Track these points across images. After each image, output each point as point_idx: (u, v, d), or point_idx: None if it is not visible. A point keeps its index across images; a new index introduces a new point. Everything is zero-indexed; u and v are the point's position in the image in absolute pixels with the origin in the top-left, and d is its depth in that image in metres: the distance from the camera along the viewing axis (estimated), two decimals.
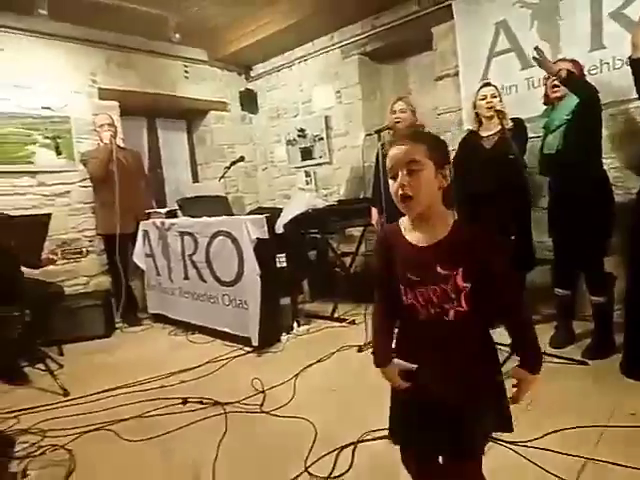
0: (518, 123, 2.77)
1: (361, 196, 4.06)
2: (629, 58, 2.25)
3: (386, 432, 1.80)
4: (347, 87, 4.47)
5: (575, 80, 2.41)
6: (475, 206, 2.56)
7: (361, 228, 3.89)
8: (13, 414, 2.28)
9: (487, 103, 2.80)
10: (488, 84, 2.92)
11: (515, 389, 1.08)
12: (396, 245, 1.11)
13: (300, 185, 4.97)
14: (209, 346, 3.23)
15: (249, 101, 5.29)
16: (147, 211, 3.93)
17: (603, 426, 1.80)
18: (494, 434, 1.59)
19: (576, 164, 2.44)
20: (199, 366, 2.80)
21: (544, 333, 2.78)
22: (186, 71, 4.88)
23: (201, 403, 2.30)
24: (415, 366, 1.09)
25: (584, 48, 2.97)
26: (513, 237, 2.58)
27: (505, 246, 1.08)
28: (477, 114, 2.89)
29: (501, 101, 2.82)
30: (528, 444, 1.70)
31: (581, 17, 2.98)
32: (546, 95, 2.69)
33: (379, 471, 1.66)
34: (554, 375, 2.31)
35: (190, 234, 3.42)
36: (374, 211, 3.43)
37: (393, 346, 1.19)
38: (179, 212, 3.74)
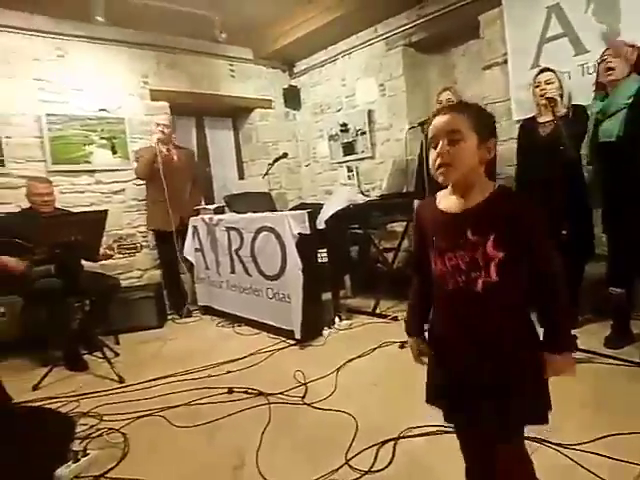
0: (579, 110, 2.64)
1: (404, 190, 4.00)
2: None
3: (427, 429, 1.82)
4: (391, 79, 4.41)
5: None
6: (531, 193, 2.47)
7: (404, 223, 3.84)
8: (74, 398, 2.46)
9: (541, 90, 2.70)
10: (546, 69, 2.80)
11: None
12: (429, 215, 1.12)
13: (342, 180, 4.97)
14: (254, 338, 3.33)
15: (292, 97, 5.34)
16: (196, 207, 4.08)
17: None
18: (543, 437, 1.55)
19: (638, 152, 2.29)
20: (244, 357, 2.89)
21: (599, 333, 2.65)
22: (232, 70, 5.00)
23: (246, 393, 2.37)
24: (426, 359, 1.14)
25: None
26: (564, 232, 2.47)
27: (545, 219, 1.03)
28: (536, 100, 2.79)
29: (561, 87, 2.69)
30: (577, 447, 1.63)
31: None
32: (597, 82, 2.52)
33: (418, 467, 1.65)
34: (610, 377, 2.19)
35: (236, 229, 3.52)
36: (417, 204, 3.37)
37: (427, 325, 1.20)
38: (226, 208, 3.86)
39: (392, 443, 1.79)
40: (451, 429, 1.65)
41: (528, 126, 2.88)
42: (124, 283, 3.95)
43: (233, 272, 3.65)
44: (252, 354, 2.94)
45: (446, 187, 1.12)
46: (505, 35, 3.45)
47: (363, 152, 4.73)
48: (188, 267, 4.25)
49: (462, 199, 1.06)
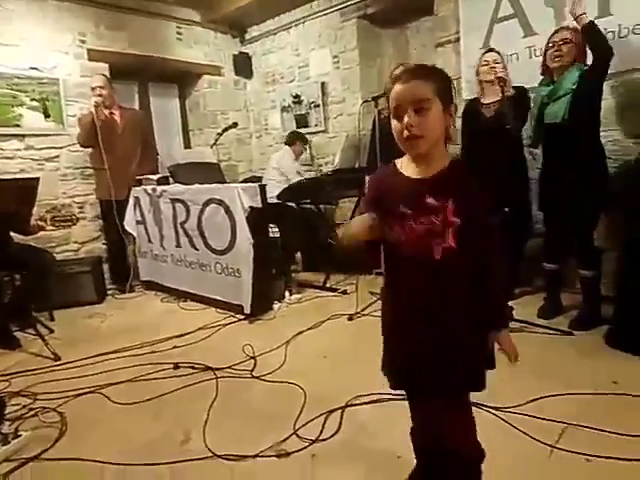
0: (521, 92, 2.71)
1: (356, 166, 4.00)
2: None
3: (373, 397, 1.87)
4: (345, 52, 4.34)
5: (598, 31, 2.32)
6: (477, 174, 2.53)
7: (355, 199, 3.86)
8: (5, 377, 2.29)
9: (490, 69, 2.73)
10: (492, 50, 2.85)
11: (503, 351, 1.10)
12: (390, 181, 1.09)
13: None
14: (201, 313, 3.25)
15: (243, 65, 5.14)
16: (138, 177, 3.86)
17: (585, 393, 1.84)
18: (481, 401, 1.64)
19: (580, 134, 2.40)
20: (191, 332, 2.82)
21: (533, 304, 2.82)
22: (179, 33, 4.71)
23: (192, 368, 2.32)
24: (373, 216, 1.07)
25: (591, 15, 2.86)
26: (507, 209, 2.57)
27: (491, 197, 1.05)
28: (480, 81, 2.82)
29: (505, 69, 2.73)
30: (512, 410, 1.74)
31: None
32: (545, 65, 2.58)
33: (364, 434, 1.69)
34: (541, 345, 2.35)
35: (182, 201, 3.38)
36: (370, 179, 3.38)
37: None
38: (171, 179, 3.68)
39: (339, 412, 1.82)
40: (396, 396, 1.71)
41: (472, 108, 2.92)
42: (59, 257, 3.71)
43: (178, 246, 3.52)
44: (199, 329, 2.87)
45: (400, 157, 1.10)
46: (458, 13, 3.47)
47: (316, 126, 4.65)
48: (130, 240, 4.05)
49: (423, 166, 1.05)
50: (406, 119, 0.98)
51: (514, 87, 2.70)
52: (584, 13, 2.30)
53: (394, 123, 1.02)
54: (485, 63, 2.78)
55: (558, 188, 2.51)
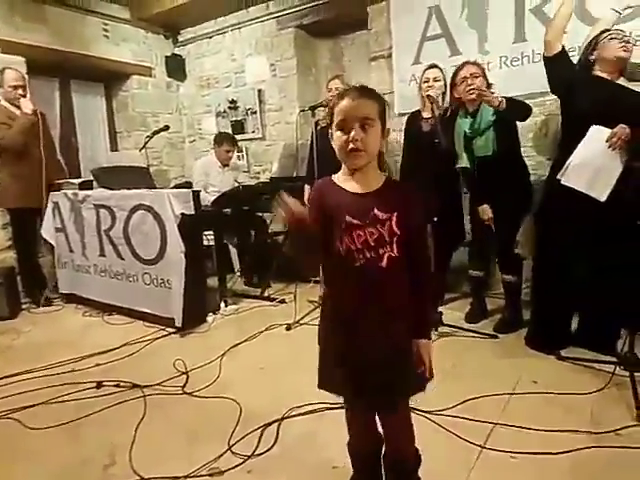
0: (453, 110, 2.79)
1: (294, 175, 4.00)
2: (543, 57, 2.36)
3: (311, 407, 1.85)
4: (282, 60, 4.34)
5: (515, 108, 2.45)
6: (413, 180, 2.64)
7: None
8: None
9: (427, 87, 2.81)
10: (434, 66, 2.90)
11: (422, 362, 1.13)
12: (332, 195, 1.11)
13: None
14: (128, 327, 3.04)
15: (176, 67, 4.96)
16: (58, 181, 3.57)
17: (509, 394, 1.95)
18: (414, 405, 1.68)
19: (510, 158, 2.59)
20: (116, 348, 2.63)
21: (460, 309, 2.97)
22: (105, 29, 4.46)
23: (117, 386, 2.17)
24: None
25: (508, 39, 3.12)
26: (436, 219, 2.68)
27: (427, 210, 1.14)
28: (421, 96, 2.89)
29: (445, 85, 2.83)
30: (442, 412, 1.80)
31: (506, 9, 3.11)
32: (456, 98, 2.68)
33: (302, 445, 1.67)
34: (468, 348, 2.47)
35: (107, 207, 3.17)
36: (307, 190, 3.39)
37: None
38: (94, 183, 3.44)
39: (276, 425, 1.78)
40: (334, 406, 1.70)
41: (413, 120, 3.03)
42: None
43: (102, 255, 3.29)
44: (125, 344, 2.69)
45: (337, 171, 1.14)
46: (391, 29, 3.60)
47: (253, 132, 4.60)
48: (48, 249, 3.73)
49: (361, 183, 1.10)
50: (353, 133, 1.03)
51: (450, 104, 2.83)
52: (501, 101, 2.40)
53: (338, 134, 1.07)
54: (426, 80, 2.86)
55: (487, 202, 2.66)
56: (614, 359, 2.04)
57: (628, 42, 2.15)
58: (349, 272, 1.09)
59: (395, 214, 1.07)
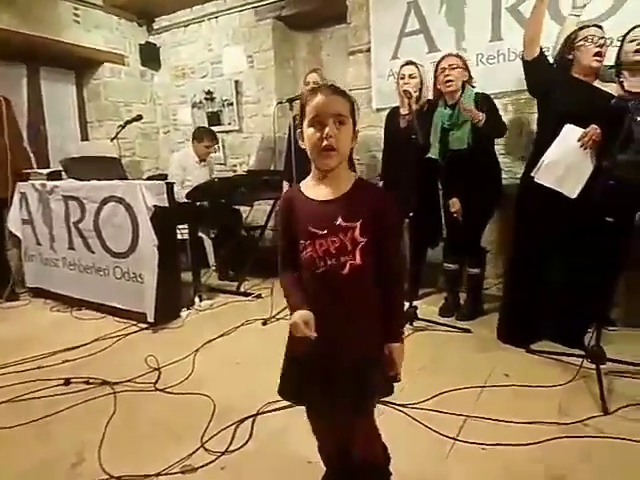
0: (431, 106, 2.82)
1: (272, 168, 3.95)
2: (522, 59, 2.39)
3: (285, 403, 1.83)
4: (260, 52, 4.28)
5: (491, 127, 2.55)
6: (392, 180, 2.73)
7: (271, 201, 3.80)
8: None
9: (404, 83, 2.82)
10: (410, 62, 2.90)
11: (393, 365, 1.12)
12: (298, 205, 1.12)
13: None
14: (98, 323, 2.96)
15: (151, 56, 4.83)
16: (25, 171, 3.43)
17: (482, 387, 1.98)
18: (386, 399, 1.69)
19: (482, 154, 2.63)
20: (85, 344, 2.55)
21: (435, 303, 3.01)
22: (76, 14, 4.29)
23: (87, 383, 2.11)
24: (314, 334, 1.05)
25: (485, 37, 3.15)
26: (411, 214, 2.69)
27: (400, 210, 1.12)
28: (399, 92, 2.88)
29: (421, 81, 2.84)
30: (417, 406, 1.81)
31: (484, 8, 3.13)
32: (437, 90, 2.73)
33: (276, 441, 1.65)
34: (441, 342, 2.51)
35: (76, 199, 3.07)
36: (286, 185, 3.36)
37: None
38: (64, 174, 3.32)
39: (251, 420, 1.76)
40: None
41: (392, 115, 3.04)
42: None
43: (72, 248, 3.19)
44: (95, 340, 2.62)
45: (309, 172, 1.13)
46: (370, 23, 3.59)
47: (230, 124, 4.52)
48: (15, 242, 3.59)
49: (330, 187, 1.08)
50: (327, 130, 1.01)
51: (428, 100, 2.84)
52: (480, 120, 2.49)
53: (310, 131, 1.04)
54: (402, 76, 2.86)
55: (457, 195, 2.71)
56: (582, 353, 2.09)
57: (602, 45, 2.20)
58: (312, 277, 1.09)
59: (359, 222, 1.04)
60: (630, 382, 1.97)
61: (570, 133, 2.17)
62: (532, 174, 2.27)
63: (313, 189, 1.11)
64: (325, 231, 1.06)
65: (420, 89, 2.85)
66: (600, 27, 2.25)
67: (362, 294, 1.09)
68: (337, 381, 1.08)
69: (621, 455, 1.52)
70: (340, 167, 1.07)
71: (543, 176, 2.23)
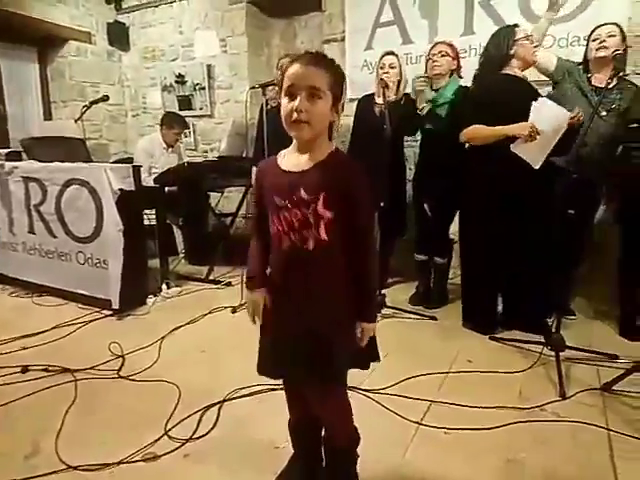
0: (408, 98, 2.84)
1: (243, 155, 3.89)
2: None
3: (253, 389, 1.83)
4: (233, 36, 4.19)
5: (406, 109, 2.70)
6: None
7: (242, 188, 3.74)
8: None
9: (383, 73, 2.80)
10: (391, 52, 2.88)
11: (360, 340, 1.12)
12: (269, 173, 1.10)
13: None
14: (60, 309, 2.86)
15: (119, 35, 4.67)
16: None
17: (445, 372, 2.03)
18: (355, 384, 1.70)
19: (455, 144, 2.61)
20: (45, 331, 2.46)
21: (405, 292, 3.05)
22: None
23: (46, 371, 2.03)
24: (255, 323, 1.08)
25: (457, 31, 3.18)
26: (382, 204, 2.70)
27: (370, 186, 1.08)
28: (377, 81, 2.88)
29: (401, 73, 2.84)
30: (382, 391, 1.84)
31: (457, 1, 3.16)
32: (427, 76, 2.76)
33: (243, 427, 1.64)
34: (408, 329, 2.55)
35: (37, 180, 2.93)
36: (255, 172, 3.30)
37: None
38: (24, 154, 3.18)
39: (217, 407, 1.74)
40: (277, 386, 1.69)
41: (365, 103, 3.01)
42: None
43: (32, 232, 3.05)
44: (56, 327, 2.53)
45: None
46: (345, 12, 3.56)
47: (202, 109, 4.42)
48: None
49: (303, 157, 1.05)
50: (296, 103, 0.98)
51: (405, 93, 2.85)
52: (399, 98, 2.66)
53: (284, 101, 1.01)
54: (382, 66, 2.84)
55: (429, 186, 2.76)
56: (542, 340, 2.17)
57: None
58: (279, 253, 1.08)
59: (322, 195, 1.00)
60: (586, 368, 2.06)
61: (544, 105, 2.19)
62: (511, 146, 2.25)
63: (288, 158, 1.08)
64: (287, 203, 1.03)
65: (399, 81, 2.85)
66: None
67: (329, 274, 1.06)
68: (302, 350, 1.07)
69: (577, 438, 1.58)
70: (319, 139, 1.04)
71: (517, 147, 2.23)
